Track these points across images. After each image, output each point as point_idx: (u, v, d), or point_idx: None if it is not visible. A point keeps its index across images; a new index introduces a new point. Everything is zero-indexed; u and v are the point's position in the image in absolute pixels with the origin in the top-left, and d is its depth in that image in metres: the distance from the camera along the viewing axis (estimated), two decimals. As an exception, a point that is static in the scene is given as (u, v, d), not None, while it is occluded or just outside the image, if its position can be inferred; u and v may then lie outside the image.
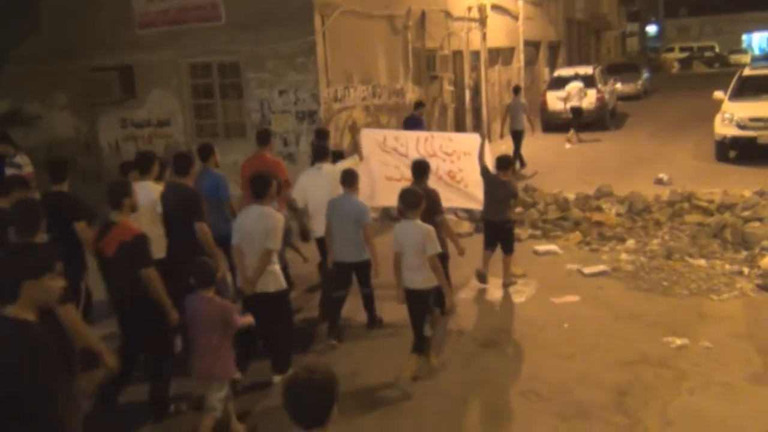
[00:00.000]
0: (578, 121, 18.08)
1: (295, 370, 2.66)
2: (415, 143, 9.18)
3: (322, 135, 8.49)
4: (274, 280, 5.71)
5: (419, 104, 12.61)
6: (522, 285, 7.90)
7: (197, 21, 11.36)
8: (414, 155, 8.34)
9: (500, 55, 20.62)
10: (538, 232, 9.80)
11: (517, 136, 14.97)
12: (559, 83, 20.16)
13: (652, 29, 62.69)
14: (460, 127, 16.63)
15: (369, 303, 6.86)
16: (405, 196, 5.69)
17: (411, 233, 5.60)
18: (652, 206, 10.20)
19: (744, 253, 8.31)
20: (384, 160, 9.11)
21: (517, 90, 15.64)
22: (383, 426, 5.20)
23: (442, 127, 14.95)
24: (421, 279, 5.62)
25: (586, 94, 18.29)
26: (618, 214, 10.08)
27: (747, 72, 16.11)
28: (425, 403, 5.48)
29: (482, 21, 18.17)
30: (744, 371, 5.62)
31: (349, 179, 6.55)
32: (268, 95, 11.23)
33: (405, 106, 13.64)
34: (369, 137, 9.20)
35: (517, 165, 14.14)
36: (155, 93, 12.01)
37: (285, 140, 10.99)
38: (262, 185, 5.70)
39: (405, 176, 8.22)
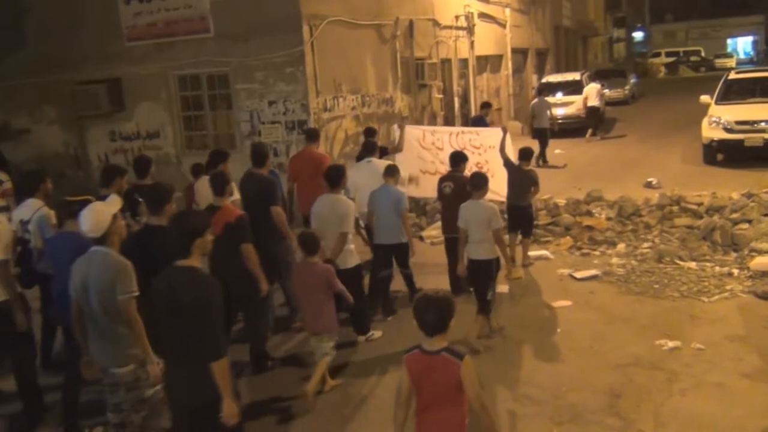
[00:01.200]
0: (595, 120, 19.20)
1: (422, 292, 3.60)
2: (449, 138, 10.24)
3: (370, 132, 9.71)
4: (351, 257, 6.55)
5: (485, 104, 13.91)
6: (516, 289, 7.92)
7: (186, 33, 11.38)
8: (448, 149, 9.47)
9: (488, 63, 20.72)
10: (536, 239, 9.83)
11: (542, 134, 15.72)
12: (548, 90, 20.31)
13: (638, 35, 63.10)
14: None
15: (409, 280, 7.55)
16: (473, 178, 6.73)
17: (477, 211, 6.45)
18: (642, 210, 10.25)
19: (733, 255, 8.37)
20: (422, 155, 10.21)
21: (540, 90, 15.94)
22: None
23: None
24: (484, 251, 6.44)
25: (603, 95, 19.51)
26: (608, 218, 10.13)
27: (733, 76, 16.23)
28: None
29: (470, 29, 18.27)
30: (736, 372, 5.65)
31: (391, 171, 7.49)
32: (257, 106, 11.25)
33: (394, 115, 13.70)
34: (410, 133, 10.37)
35: (540, 163, 14.98)
36: (144, 105, 12.00)
37: (275, 150, 10.99)
38: (336, 176, 6.57)
39: (439, 170, 9.49)
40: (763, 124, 13.62)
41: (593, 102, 19.21)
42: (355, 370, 6.25)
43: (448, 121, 17.08)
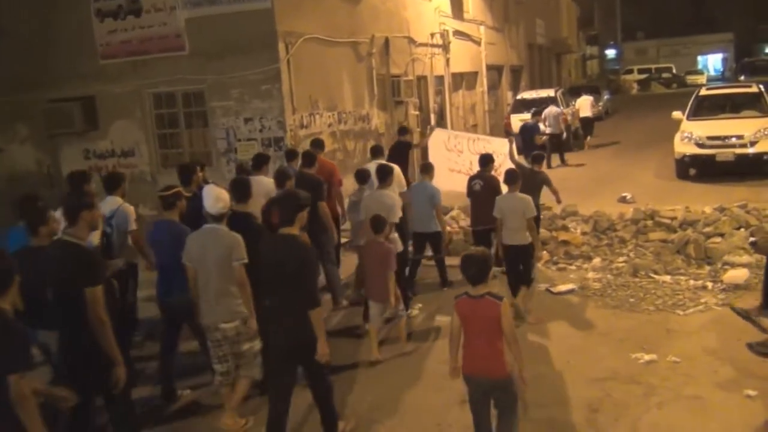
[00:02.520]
0: (590, 131, 21.17)
1: (467, 251, 4.48)
2: (467, 143, 11.51)
3: (403, 131, 11.34)
4: (395, 245, 7.17)
5: (536, 112, 15.35)
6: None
7: (160, 51, 11.33)
8: (466, 153, 11.09)
9: (464, 80, 20.89)
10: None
11: (558, 139, 17.70)
12: (523, 106, 20.56)
13: (611, 52, 64.12)
14: (426, 150, 16.73)
15: (441, 266, 8.52)
16: (508, 174, 7.69)
17: (514, 202, 7.37)
18: (617, 224, 10.34)
19: (707, 268, 8.45)
20: (447, 155, 11.39)
21: (553, 99, 18.20)
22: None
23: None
24: (522, 237, 7.30)
25: (594, 106, 21.26)
26: (584, 233, 10.20)
27: (704, 92, 16.52)
28: (399, 425, 5.46)
29: (445, 47, 18.42)
30: (712, 384, 5.69)
31: (427, 168, 8.63)
32: (233, 123, 11.21)
33: (370, 131, 13.73)
34: (438, 136, 11.91)
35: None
36: (119, 123, 11.91)
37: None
38: (385, 173, 7.60)
39: (462, 170, 10.90)
40: (733, 139, 13.85)
41: (586, 113, 21.11)
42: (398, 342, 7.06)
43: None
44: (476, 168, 8.94)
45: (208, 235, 5.27)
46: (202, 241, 5.27)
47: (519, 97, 22.78)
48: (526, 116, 19.67)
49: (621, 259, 9.11)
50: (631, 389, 5.71)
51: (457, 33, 19.47)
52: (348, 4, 13.22)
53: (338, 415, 5.18)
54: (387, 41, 14.57)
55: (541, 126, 16.68)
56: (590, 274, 8.70)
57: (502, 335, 4.32)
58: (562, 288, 8.28)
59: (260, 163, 8.28)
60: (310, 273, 4.76)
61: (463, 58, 20.27)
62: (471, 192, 8.57)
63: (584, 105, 21.58)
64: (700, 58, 63.83)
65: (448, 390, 5.61)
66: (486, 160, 8.71)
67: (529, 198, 7.42)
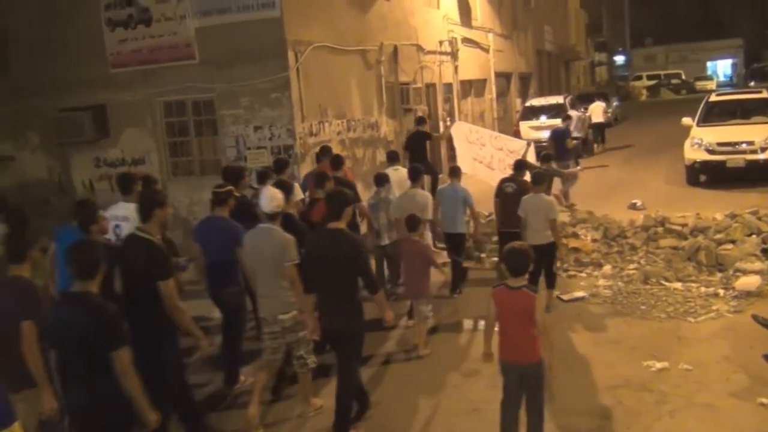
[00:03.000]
0: (602, 135, 21.77)
1: (510, 245, 4.77)
2: (488, 138, 12.18)
3: (420, 121, 12.34)
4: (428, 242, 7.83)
5: (566, 117, 15.44)
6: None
7: (171, 60, 11.39)
8: (489, 147, 11.84)
9: (472, 87, 20.90)
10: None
11: (599, 128, 20.28)
12: (531, 113, 20.56)
13: (619, 59, 63.99)
14: (435, 156, 16.75)
15: (456, 267, 8.77)
16: (535, 176, 8.19)
17: (538, 203, 7.78)
18: (627, 231, 10.30)
19: (719, 275, 8.41)
20: (470, 146, 12.12)
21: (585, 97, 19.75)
22: None
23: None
24: (545, 237, 7.60)
25: (606, 112, 21.88)
26: (594, 240, 10.17)
27: (713, 98, 16.47)
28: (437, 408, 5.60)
29: (454, 54, 18.44)
30: (724, 391, 5.66)
31: (456, 171, 9.11)
32: (243, 131, 11.24)
33: (379, 139, 13.75)
34: (460, 128, 12.84)
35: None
36: (129, 131, 11.96)
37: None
38: (417, 174, 8.20)
39: (484, 161, 11.82)
40: (744, 145, 13.80)
41: (598, 119, 21.37)
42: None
43: (434, 146, 17.14)
44: (497, 161, 10.06)
45: (263, 233, 5.61)
46: (257, 239, 5.63)
47: (528, 104, 22.76)
48: (536, 123, 19.79)
49: (632, 266, 9.08)
50: (643, 397, 5.69)
51: (466, 40, 19.49)
52: (356, 12, 13.27)
53: (350, 410, 5.41)
54: (395, 49, 14.61)
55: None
56: (601, 282, 8.68)
57: (535, 324, 4.62)
58: (573, 295, 8.26)
59: (282, 167, 8.59)
60: (362, 262, 5.23)
61: (471, 65, 20.29)
62: (501, 193, 8.85)
63: (596, 111, 21.72)
64: (709, 64, 63.58)
65: (482, 376, 6.10)
66: (520, 166, 9.14)
67: (552, 199, 8.10)
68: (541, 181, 8.13)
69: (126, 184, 7.01)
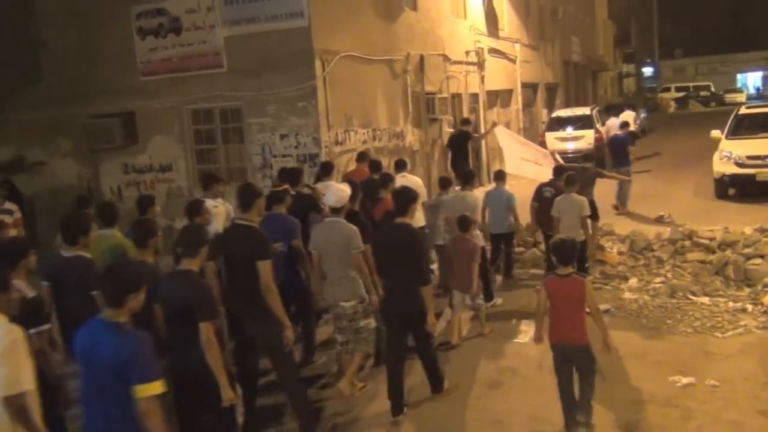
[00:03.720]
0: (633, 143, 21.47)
1: (558, 237, 5.47)
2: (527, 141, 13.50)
3: (465, 122, 13.80)
4: (478, 240, 7.98)
5: (625, 124, 15.62)
6: (525, 325, 7.86)
7: (199, 68, 11.54)
8: (531, 146, 13.20)
9: (498, 98, 20.86)
10: (540, 271, 9.80)
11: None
12: (558, 124, 20.45)
13: (648, 70, 63.48)
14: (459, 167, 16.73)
15: (508, 259, 9.71)
16: (568, 178, 8.72)
17: (571, 203, 8.46)
18: (654, 244, 10.20)
19: (747, 291, 8.29)
20: (516, 146, 12.86)
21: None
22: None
23: (442, 168, 15.04)
24: (575, 235, 7.70)
25: (639, 122, 21.94)
26: (620, 253, 10.08)
27: (743, 111, 16.26)
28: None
29: (480, 64, 18.43)
30: (752, 409, 5.57)
31: (501, 175, 9.76)
32: (269, 139, 11.34)
33: (405, 148, 13.77)
34: (502, 131, 13.79)
35: None
36: (157, 139, 12.13)
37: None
38: (469, 176, 8.75)
39: (530, 158, 12.56)
40: (774, 159, 13.60)
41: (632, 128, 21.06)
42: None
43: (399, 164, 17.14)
44: (542, 156, 11.04)
45: (331, 226, 6.16)
46: (326, 231, 6.16)
47: (554, 115, 22.65)
48: (562, 134, 19.70)
49: (658, 279, 8.98)
50: (669, 412, 5.62)
51: (492, 51, 19.48)
52: (384, 22, 13.34)
53: (443, 375, 6.22)
54: (422, 59, 14.64)
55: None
56: (626, 295, 8.59)
57: (582, 308, 5.14)
58: (598, 308, 8.17)
59: (328, 170, 9.12)
60: (421, 255, 5.83)
61: (498, 75, 20.26)
62: (540, 197, 9.45)
63: (627, 120, 21.52)
64: (739, 76, 62.86)
65: (505, 387, 6.38)
66: (560, 171, 9.56)
67: (583, 199, 8.56)
68: (574, 182, 8.62)
69: (207, 182, 7.93)
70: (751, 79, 63.45)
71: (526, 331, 7.69)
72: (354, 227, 6.09)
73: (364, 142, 12.34)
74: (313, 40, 10.84)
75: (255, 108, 11.34)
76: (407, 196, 6.00)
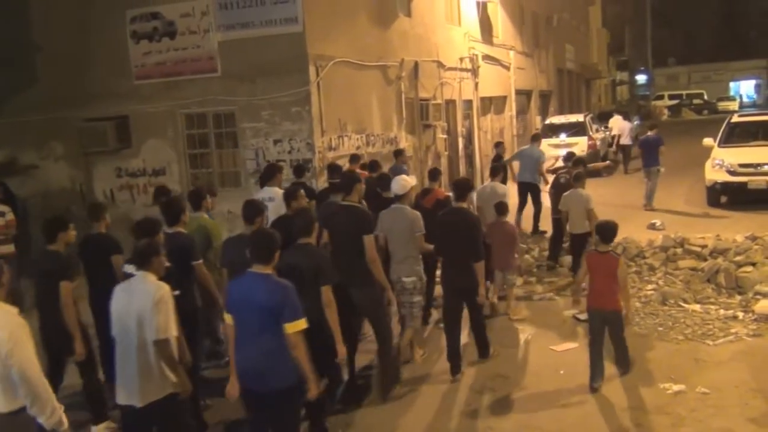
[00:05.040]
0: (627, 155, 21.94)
1: (603, 220, 6.63)
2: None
3: (498, 145, 14.19)
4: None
5: (653, 125, 16.12)
6: (520, 332, 7.87)
7: (193, 72, 11.53)
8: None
9: (492, 104, 20.92)
10: (532, 279, 9.81)
11: (626, 150, 21.47)
12: (551, 131, 20.52)
13: (641, 78, 63.76)
14: (453, 174, 16.77)
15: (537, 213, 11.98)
16: (576, 175, 9.70)
17: (577, 198, 9.30)
18: (646, 251, 10.22)
19: (738, 298, 8.31)
20: None
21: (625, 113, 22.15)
22: None
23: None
24: (581, 226, 9.23)
25: (635, 132, 22.56)
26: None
27: (736, 119, 16.34)
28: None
29: (474, 71, 18.49)
30: (742, 417, 5.58)
31: (579, 177, 9.83)
32: (263, 144, 11.33)
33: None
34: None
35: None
36: (151, 143, 12.10)
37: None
38: (496, 170, 9.30)
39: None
40: (766, 167, 13.66)
41: (625, 140, 21.93)
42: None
43: (452, 162, 17.19)
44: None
45: (396, 212, 6.82)
46: (391, 217, 6.82)
47: (548, 121, 22.74)
48: (555, 141, 19.77)
49: (650, 286, 9.01)
50: (659, 420, 5.63)
51: (487, 57, 19.54)
52: (378, 28, 13.37)
53: (489, 342, 7.09)
54: (416, 65, 14.68)
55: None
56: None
57: (615, 281, 6.15)
58: (589, 315, 8.19)
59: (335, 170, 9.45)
60: (477, 235, 6.64)
61: (491, 82, 20.32)
62: (557, 184, 10.53)
63: (624, 130, 22.24)
64: (732, 85, 63.16)
65: (496, 393, 6.40)
66: (571, 157, 10.94)
67: (589, 194, 9.35)
68: (581, 178, 9.52)
69: (271, 172, 8.64)
70: (743, 88, 63.76)
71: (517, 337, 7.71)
72: (416, 212, 6.90)
73: (358, 147, 12.34)
74: (307, 46, 10.85)
75: (249, 113, 11.33)
76: (466, 185, 7.06)
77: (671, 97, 52.80)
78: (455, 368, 6.73)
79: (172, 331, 4.52)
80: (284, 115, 11.11)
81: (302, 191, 7.26)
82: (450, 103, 17.01)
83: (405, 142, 14.20)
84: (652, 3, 57.70)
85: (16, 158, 12.99)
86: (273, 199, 8.12)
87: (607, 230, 6.36)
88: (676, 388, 6.14)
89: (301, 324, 4.35)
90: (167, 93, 11.74)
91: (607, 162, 15.12)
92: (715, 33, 64.52)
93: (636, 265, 9.84)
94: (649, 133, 15.39)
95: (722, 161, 14.18)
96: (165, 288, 4.55)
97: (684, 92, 54.75)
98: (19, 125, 12.56)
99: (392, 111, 13.82)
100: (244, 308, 4.43)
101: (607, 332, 6.33)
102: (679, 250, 9.97)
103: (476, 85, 18.72)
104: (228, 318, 4.57)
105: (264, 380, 4.41)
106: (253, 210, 6.01)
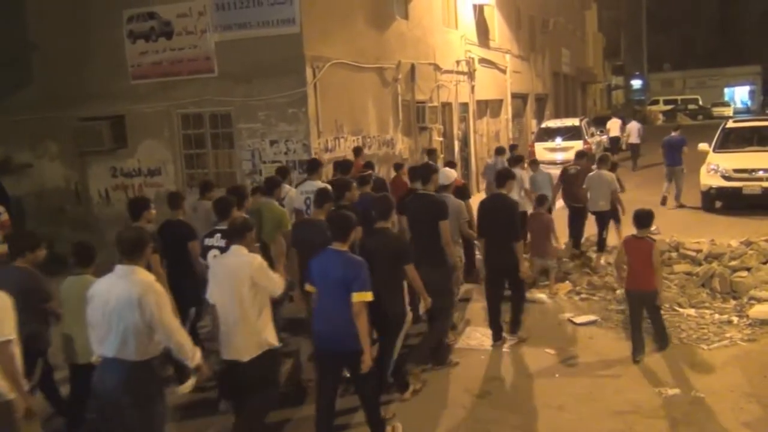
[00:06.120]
0: (635, 155, 22.54)
1: (640, 209, 7.18)
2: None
3: (512, 148, 14.41)
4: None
5: (677, 127, 16.71)
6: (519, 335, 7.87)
7: (190, 73, 11.52)
8: None
9: (488, 107, 20.94)
10: (528, 282, 9.80)
11: (635, 149, 22.39)
12: (547, 135, 20.56)
13: (636, 83, 63.94)
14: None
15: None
16: (601, 158, 10.89)
17: (601, 179, 10.35)
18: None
19: (732, 303, 8.32)
20: None
21: (622, 116, 21.46)
22: None
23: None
24: (602, 206, 10.41)
25: (641, 133, 22.97)
26: (608, 264, 10.11)
27: (731, 124, 16.39)
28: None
29: (471, 74, 18.51)
30: (736, 421, 5.59)
31: (605, 159, 10.82)
32: (259, 145, 11.32)
33: (394, 156, 13.78)
34: None
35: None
36: (146, 143, 12.08)
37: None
38: (502, 178, 8.53)
39: None
40: (760, 172, 13.71)
41: (634, 139, 22.50)
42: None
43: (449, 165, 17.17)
44: None
45: (418, 200, 7.11)
46: (414, 205, 7.15)
47: (543, 125, 22.78)
48: (551, 144, 19.82)
49: (645, 290, 9.00)
50: (654, 424, 5.63)
51: (483, 61, 19.57)
52: (375, 30, 13.37)
53: (522, 322, 7.73)
54: (413, 67, 14.69)
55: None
56: (613, 306, 8.61)
57: (651, 263, 6.76)
58: (584, 319, 8.20)
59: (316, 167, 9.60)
60: (516, 218, 7.36)
61: (488, 85, 20.34)
62: (567, 175, 11.13)
63: (633, 131, 22.85)
64: (726, 90, 63.33)
65: (493, 396, 6.22)
66: (582, 155, 11.93)
67: (613, 175, 10.43)
68: (606, 160, 10.70)
69: (314, 166, 8.93)
70: (738, 93, 63.97)
71: (514, 340, 7.70)
72: (461, 201, 7.57)
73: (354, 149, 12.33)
74: (304, 47, 10.85)
75: (245, 113, 11.32)
76: (507, 175, 7.67)
77: (666, 102, 52.96)
78: (496, 335, 7.58)
79: (281, 288, 5.43)
80: (281, 116, 11.11)
81: (355, 183, 7.97)
82: (446, 106, 17.02)
83: (401, 144, 14.21)
84: (647, 8, 57.95)
85: (11, 157, 12.96)
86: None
87: (644, 217, 6.96)
88: (670, 392, 6.14)
89: (367, 296, 5.01)
90: (163, 93, 11.72)
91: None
92: (710, 39, 64.79)
93: (631, 269, 9.84)
94: (673, 134, 15.91)
95: (717, 166, 14.22)
96: (259, 259, 5.23)
97: (679, 97, 54.92)
98: (15, 124, 12.53)
99: (389, 113, 13.82)
100: (324, 280, 5.18)
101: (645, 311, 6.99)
102: (674, 255, 9.98)
103: (472, 88, 18.74)
104: (310, 288, 5.35)
105: (342, 342, 5.08)
106: (322, 198, 6.78)
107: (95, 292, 4.50)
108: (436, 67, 16.20)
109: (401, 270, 5.89)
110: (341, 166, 9.79)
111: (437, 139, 16.05)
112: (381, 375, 5.84)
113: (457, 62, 17.69)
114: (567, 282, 9.59)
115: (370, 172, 9.08)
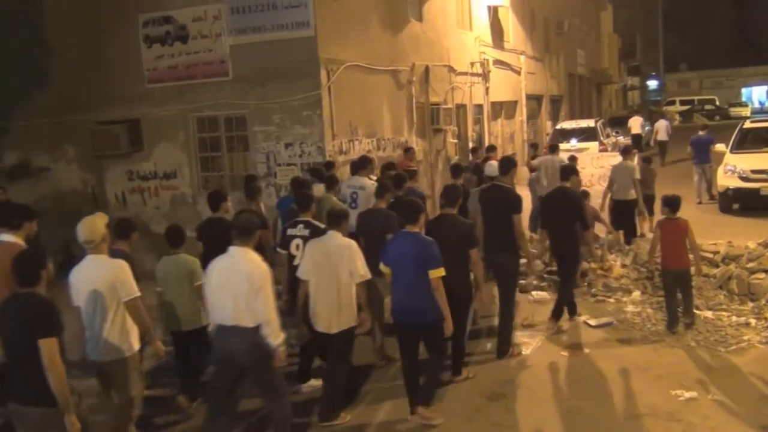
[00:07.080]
0: (663, 152, 23.39)
1: (671, 195, 8.07)
2: (590, 159, 14.08)
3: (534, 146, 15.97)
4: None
5: (704, 126, 17.18)
6: (528, 336, 7.85)
7: (205, 76, 11.57)
8: (588, 168, 13.54)
9: (503, 109, 20.90)
10: (543, 284, 9.77)
11: (663, 146, 23.34)
12: (562, 136, 20.46)
13: (652, 83, 63.51)
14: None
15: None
16: (623, 148, 12.03)
17: (625, 168, 11.22)
18: (657, 257, 10.14)
19: (750, 305, 8.26)
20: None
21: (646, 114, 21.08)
22: None
23: (446, 178, 15.06)
24: (629, 194, 11.13)
25: (669, 130, 23.84)
26: (623, 265, 10.05)
27: (748, 125, 16.27)
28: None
29: (485, 76, 18.49)
30: (755, 424, 5.54)
31: (627, 150, 11.92)
32: (274, 148, 11.36)
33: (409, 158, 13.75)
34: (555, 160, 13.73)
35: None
36: (162, 146, 12.15)
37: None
38: (567, 173, 8.82)
39: (585, 181, 13.05)
40: (778, 173, 13.59)
41: (662, 137, 23.40)
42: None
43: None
44: (597, 178, 12.96)
45: (495, 190, 7.49)
46: (492, 195, 7.50)
47: (558, 126, 22.66)
48: (566, 146, 19.66)
49: (661, 292, 8.92)
50: (671, 427, 5.59)
51: (497, 62, 19.54)
52: (389, 32, 13.38)
53: (563, 311, 8.08)
54: (427, 69, 14.68)
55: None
56: (629, 308, 8.56)
57: (685, 243, 7.53)
58: (600, 321, 8.16)
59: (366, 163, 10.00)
60: (582, 209, 7.96)
61: (502, 87, 20.30)
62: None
63: (660, 128, 23.62)
64: (744, 90, 62.82)
65: (506, 399, 6.12)
66: (628, 150, 12.13)
67: (635, 165, 11.38)
68: (629, 151, 11.73)
69: (363, 163, 9.43)
70: (755, 93, 63.40)
71: (528, 342, 7.67)
72: (517, 194, 7.53)
73: (369, 151, 12.33)
74: (318, 50, 10.87)
75: (260, 116, 11.36)
76: (570, 169, 8.39)
77: (682, 103, 52.60)
78: (571, 312, 8.24)
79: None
80: (295, 119, 11.14)
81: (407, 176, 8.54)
82: (461, 108, 17.00)
83: (415, 146, 14.20)
84: (663, 8, 57.52)
85: (28, 160, 13.07)
86: (363, 188, 8.97)
87: (674, 201, 7.72)
88: (687, 395, 6.10)
89: (441, 271, 5.62)
90: (179, 96, 11.79)
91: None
92: (726, 39, 64.32)
93: (647, 271, 9.77)
94: (701, 133, 16.35)
95: (734, 167, 14.12)
96: (354, 243, 5.92)
97: (695, 98, 54.56)
98: (32, 128, 12.65)
99: (403, 115, 13.83)
100: (401, 260, 5.76)
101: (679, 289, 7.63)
102: (690, 257, 9.89)
103: (487, 89, 18.71)
104: (385, 269, 5.88)
105: (421, 315, 5.73)
106: (382, 189, 7.37)
107: (214, 268, 5.18)
108: (451, 69, 16.19)
109: (467, 253, 6.32)
110: (386, 167, 10.47)
111: (452, 141, 16.03)
112: (459, 342, 6.64)
113: (472, 64, 17.67)
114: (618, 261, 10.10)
115: (415, 168, 10.59)
